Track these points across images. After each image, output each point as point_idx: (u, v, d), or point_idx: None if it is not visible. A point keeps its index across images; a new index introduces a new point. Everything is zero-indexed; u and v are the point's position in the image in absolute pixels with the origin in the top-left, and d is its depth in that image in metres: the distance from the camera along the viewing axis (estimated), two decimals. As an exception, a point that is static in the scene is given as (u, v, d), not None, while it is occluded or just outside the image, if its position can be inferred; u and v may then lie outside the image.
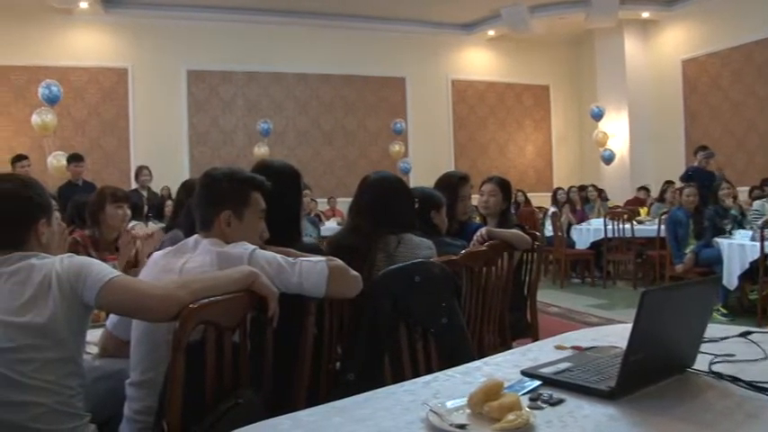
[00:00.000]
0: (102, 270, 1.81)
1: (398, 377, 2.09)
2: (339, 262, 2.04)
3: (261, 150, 11.59)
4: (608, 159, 13.04)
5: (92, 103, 11.78)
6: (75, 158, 8.50)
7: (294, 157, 11.83)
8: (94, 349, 2.28)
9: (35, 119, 9.30)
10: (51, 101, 9.35)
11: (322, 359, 2.12)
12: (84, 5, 11.02)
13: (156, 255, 2.16)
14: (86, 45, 11.73)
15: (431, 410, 1.33)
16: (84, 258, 1.87)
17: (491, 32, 13.69)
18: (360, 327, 2.17)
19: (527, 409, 1.31)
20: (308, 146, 12.90)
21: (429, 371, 2.11)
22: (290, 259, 2.00)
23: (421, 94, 13.62)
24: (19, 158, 8.08)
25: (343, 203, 12.12)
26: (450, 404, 1.38)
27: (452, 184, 3.70)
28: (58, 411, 1.79)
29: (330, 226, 8.98)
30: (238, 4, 11.89)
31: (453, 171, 4.08)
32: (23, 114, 10.82)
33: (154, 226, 5.39)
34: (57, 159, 9.16)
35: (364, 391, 1.52)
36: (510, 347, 3.23)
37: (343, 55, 12.91)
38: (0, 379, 1.74)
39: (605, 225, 8.49)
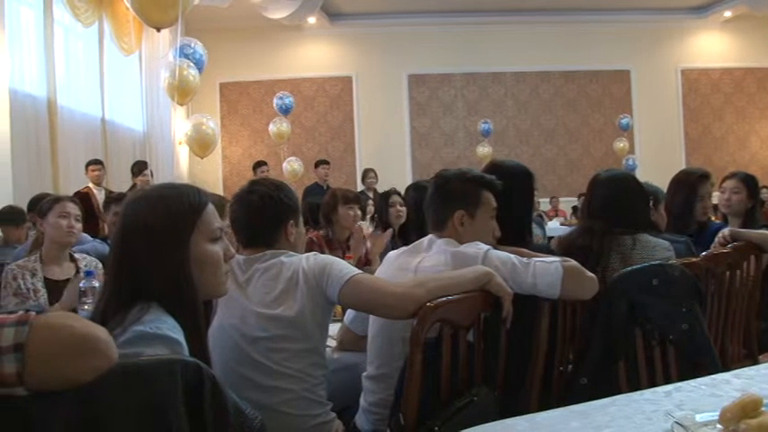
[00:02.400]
0: (345, 268, 1.93)
1: (634, 384, 2.00)
2: (574, 262, 1.98)
3: (484, 150, 11.67)
4: None
5: (320, 111, 12.61)
6: (321, 162, 9.24)
7: (514, 157, 11.72)
8: (333, 343, 2.41)
9: (272, 128, 10.20)
10: (285, 111, 10.21)
11: (554, 361, 2.08)
12: (311, 20, 11.86)
13: (392, 253, 2.25)
14: (314, 57, 12.59)
15: (676, 422, 1.25)
16: (327, 256, 2.01)
17: (727, 14, 12.52)
18: (593, 330, 2.10)
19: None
20: (528, 145, 12.74)
21: (667, 380, 2.00)
22: (523, 259, 1.99)
23: (647, 86, 12.85)
24: (259, 164, 8.88)
25: (566, 203, 11.80)
26: (699, 417, 1.28)
27: (691, 182, 3.44)
28: (304, 398, 1.94)
29: (553, 226, 8.79)
30: (456, 6, 12.05)
31: (692, 168, 3.79)
32: (261, 125, 11.94)
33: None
34: (290, 164, 9.99)
35: (597, 397, 1.47)
36: (756, 361, 2.94)
37: (562, 51, 12.56)
38: (256, 365, 1.93)
39: None
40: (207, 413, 1.12)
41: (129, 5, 5.35)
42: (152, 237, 1.38)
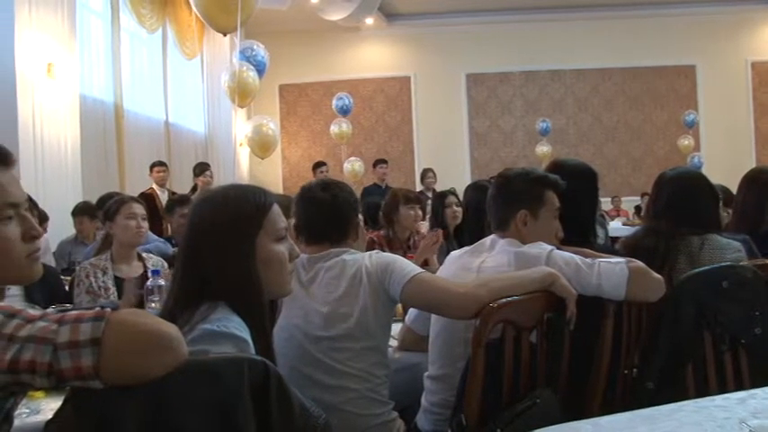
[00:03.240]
0: (407, 266, 1.94)
1: (702, 390, 1.94)
2: (640, 263, 1.93)
3: (543, 149, 11.53)
4: None
5: (378, 112, 12.66)
6: (380, 162, 9.30)
7: (575, 156, 11.54)
8: (394, 342, 2.41)
9: (333, 128, 10.29)
10: (344, 111, 10.29)
11: (619, 364, 2.03)
12: (369, 21, 11.91)
13: (454, 253, 2.24)
14: (372, 58, 12.65)
15: (752, 432, 1.21)
16: (390, 255, 2.02)
17: (801, 3, 12.04)
18: (660, 333, 2.05)
19: None
20: (589, 144, 12.52)
21: (740, 386, 1.93)
22: (587, 260, 1.95)
23: (714, 81, 12.43)
24: (319, 165, 8.97)
25: (628, 203, 11.55)
26: (776, 427, 1.24)
27: (764, 181, 3.30)
28: (367, 397, 1.96)
29: (615, 226, 8.62)
30: (514, 4, 11.93)
31: (764, 166, 3.64)
32: (319, 125, 12.09)
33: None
34: (351, 164, 10.10)
35: (664, 402, 1.42)
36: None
37: (623, 47, 12.26)
38: (319, 364, 1.95)
39: None
40: (273, 411, 1.13)
41: (195, 11, 5.49)
42: (219, 237, 1.41)
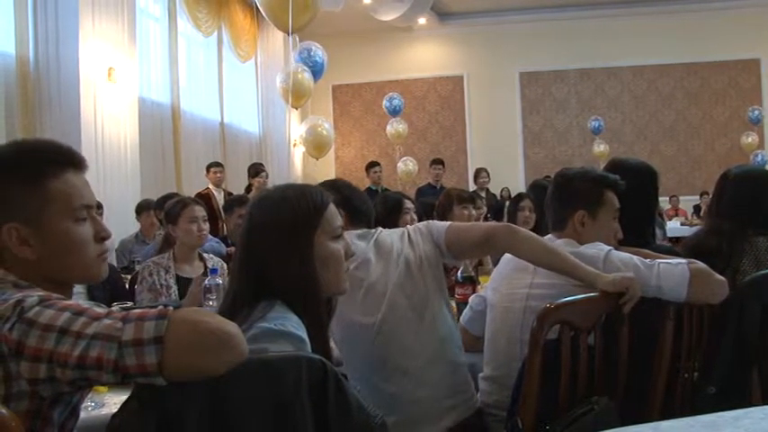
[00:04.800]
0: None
1: (768, 397, 1.89)
2: (702, 265, 1.89)
3: (599, 148, 11.36)
4: None
5: (431, 112, 12.64)
6: (436, 162, 9.29)
7: (631, 154, 11.31)
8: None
9: (389, 129, 10.34)
10: (395, 112, 10.31)
11: (679, 368, 1.99)
12: (422, 21, 11.91)
13: (508, 255, 2.22)
14: (425, 57, 12.64)
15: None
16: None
17: None
18: (723, 336, 1.99)
19: None
20: (646, 141, 12.26)
21: (810, 393, 1.87)
22: (647, 261, 1.91)
23: (779, 76, 12.03)
24: (372, 165, 8.99)
25: (686, 202, 11.26)
26: None
27: None
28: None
29: (673, 226, 8.43)
30: (567, 1, 11.76)
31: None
32: (372, 125, 12.14)
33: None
34: (405, 164, 10.12)
35: (726, 408, 1.37)
36: None
37: (682, 42, 11.93)
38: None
39: None
40: (330, 409, 1.14)
41: (262, 11, 5.60)
42: (277, 236, 1.43)
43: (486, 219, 6.40)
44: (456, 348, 2.05)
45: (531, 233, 2.03)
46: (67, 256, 1.21)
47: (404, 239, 2.04)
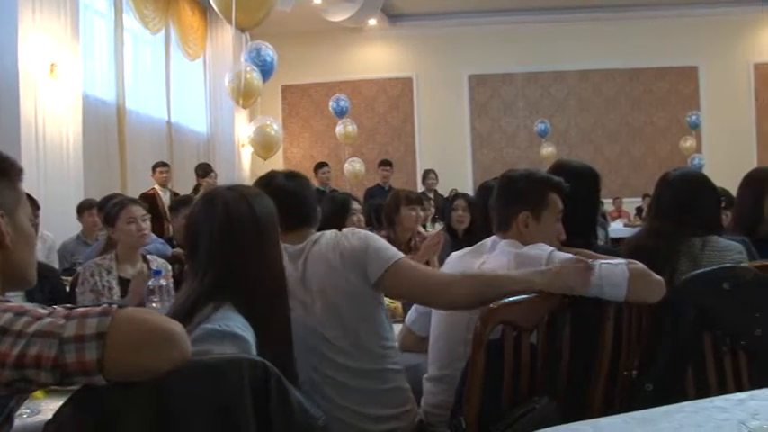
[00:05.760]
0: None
1: (702, 391, 1.94)
2: (640, 265, 1.93)
3: (546, 151, 11.55)
4: None
5: (381, 113, 12.66)
6: (384, 163, 9.28)
7: (576, 157, 11.52)
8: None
9: (339, 129, 10.30)
10: (341, 113, 10.29)
11: (618, 366, 2.03)
12: (372, 22, 11.95)
13: (455, 254, 2.24)
14: (375, 58, 12.66)
15: (750, 433, 1.21)
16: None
17: (804, 5, 12.01)
18: (660, 335, 2.05)
19: None
20: (591, 144, 12.52)
21: (739, 388, 1.93)
22: (588, 261, 1.96)
23: (717, 82, 12.41)
24: (321, 166, 8.98)
25: (629, 204, 11.54)
26: (775, 428, 1.24)
27: (760, 180, 3.30)
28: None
29: (616, 227, 8.62)
30: (517, 5, 11.93)
31: (763, 166, 3.64)
32: (321, 126, 12.13)
33: (438, 227, 5.64)
34: (352, 165, 10.11)
35: (663, 403, 1.42)
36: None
37: (626, 48, 12.23)
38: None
39: None
40: (272, 410, 1.14)
41: (215, 7, 5.52)
42: (252, 235, 1.46)
43: (433, 220, 6.45)
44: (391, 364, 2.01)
45: (465, 280, 1.91)
46: (28, 252, 1.25)
47: (333, 266, 1.93)
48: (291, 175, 2.13)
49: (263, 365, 1.15)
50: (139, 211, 3.11)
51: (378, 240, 1.99)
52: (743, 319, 2.05)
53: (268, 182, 2.05)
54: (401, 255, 1.95)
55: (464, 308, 1.90)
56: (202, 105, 10.49)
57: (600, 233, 5.93)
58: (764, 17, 12.38)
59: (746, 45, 12.52)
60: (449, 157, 12.06)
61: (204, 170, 7.56)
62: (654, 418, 1.35)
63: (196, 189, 7.45)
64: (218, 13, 5.58)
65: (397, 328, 2.41)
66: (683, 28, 12.15)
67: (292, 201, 1.95)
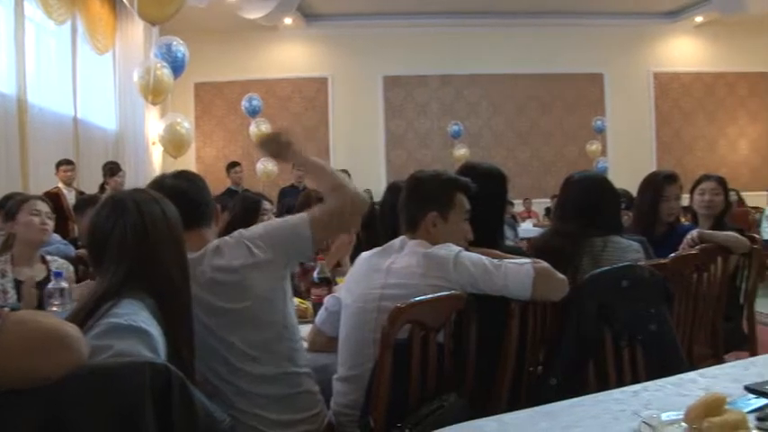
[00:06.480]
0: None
1: (603, 385, 2.02)
2: (545, 264, 2.00)
3: (460, 152, 11.73)
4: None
5: (295, 112, 12.57)
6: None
7: (488, 159, 11.73)
8: (304, 344, 2.41)
9: (252, 129, 10.12)
10: (253, 112, 10.15)
11: (524, 362, 2.09)
12: (287, 21, 11.84)
13: (364, 254, 2.24)
14: (290, 58, 12.57)
15: (643, 422, 1.26)
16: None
17: (698, 18, 12.67)
18: (564, 331, 2.12)
19: (756, 430, 1.20)
20: (502, 147, 12.82)
21: (636, 380, 2.02)
22: (495, 261, 1.99)
23: (620, 89, 13.00)
24: (233, 165, 8.81)
25: (539, 204, 11.89)
26: (665, 416, 1.30)
27: (657, 183, 3.48)
28: None
29: (526, 227, 8.86)
30: (432, 8, 12.08)
31: (659, 170, 3.83)
32: (235, 125, 11.94)
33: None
34: (264, 165, 9.96)
35: (567, 397, 1.48)
36: (722, 360, 2.99)
37: (537, 54, 12.65)
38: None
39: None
40: (175, 415, 1.12)
41: (125, 1, 5.33)
42: (169, 233, 1.47)
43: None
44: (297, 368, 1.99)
45: None
46: None
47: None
48: (180, 175, 2.08)
49: (166, 369, 1.12)
50: (45, 207, 2.97)
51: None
52: (639, 315, 2.15)
53: (158, 184, 2.00)
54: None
55: None
56: (112, 101, 10.09)
57: (509, 233, 6.09)
58: (663, 29, 13.09)
59: (647, 55, 13.18)
60: (363, 158, 12.12)
61: (111, 169, 7.29)
62: (556, 412, 1.40)
63: (102, 188, 7.18)
64: (128, 5, 5.40)
65: (307, 328, 2.40)
66: (590, 37, 12.68)
67: (182, 199, 1.86)
